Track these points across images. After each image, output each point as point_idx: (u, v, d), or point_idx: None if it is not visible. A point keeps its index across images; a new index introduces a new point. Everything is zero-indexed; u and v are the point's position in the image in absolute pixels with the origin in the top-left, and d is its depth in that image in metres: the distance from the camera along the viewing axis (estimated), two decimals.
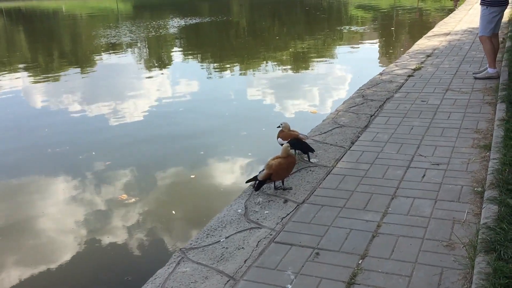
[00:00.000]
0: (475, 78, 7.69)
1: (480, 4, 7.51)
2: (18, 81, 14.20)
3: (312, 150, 4.81)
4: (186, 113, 9.71)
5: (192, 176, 6.65)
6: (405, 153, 4.92)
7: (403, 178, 4.37)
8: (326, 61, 14.52)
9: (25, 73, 15.46)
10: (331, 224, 3.67)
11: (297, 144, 4.80)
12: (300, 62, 14.82)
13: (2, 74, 15.36)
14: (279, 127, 5.04)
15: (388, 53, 15.15)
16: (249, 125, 8.50)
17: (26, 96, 12.50)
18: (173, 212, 5.69)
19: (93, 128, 9.18)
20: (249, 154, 7.31)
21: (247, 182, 4.36)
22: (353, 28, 22.70)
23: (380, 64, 11.65)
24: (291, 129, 5.04)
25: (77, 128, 9.26)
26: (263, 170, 4.25)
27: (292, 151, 4.95)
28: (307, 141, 5.14)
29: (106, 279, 4.51)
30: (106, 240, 5.13)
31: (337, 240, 3.44)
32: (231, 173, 6.64)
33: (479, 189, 3.98)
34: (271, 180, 4.23)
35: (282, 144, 4.86)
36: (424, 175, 4.38)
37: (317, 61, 14.53)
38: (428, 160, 4.71)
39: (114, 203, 5.96)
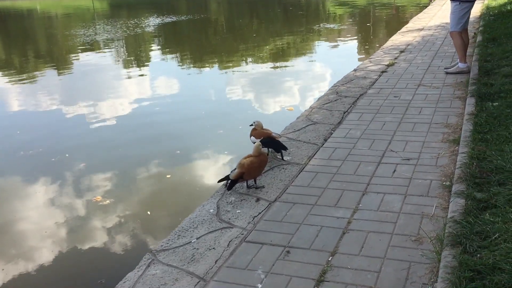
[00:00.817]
0: (447, 73, 7.80)
1: (451, 0, 7.61)
2: None
3: (285, 148, 4.83)
4: (162, 113, 9.65)
5: (168, 176, 6.62)
6: (376, 149, 4.96)
7: (374, 174, 4.41)
8: (304, 58, 14.58)
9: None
10: (302, 221, 3.69)
11: (270, 143, 4.81)
12: (278, 59, 14.82)
13: None
14: (252, 125, 5.04)
15: (365, 49, 15.27)
16: (226, 123, 8.48)
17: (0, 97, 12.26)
18: (148, 213, 5.66)
19: (67, 130, 9.06)
20: (225, 152, 7.31)
21: (219, 181, 4.35)
22: (331, 25, 22.82)
23: (359, 61, 11.67)
24: (264, 127, 5.04)
25: (51, 130, 9.14)
26: (235, 169, 4.24)
27: (266, 149, 4.97)
28: (280, 139, 5.15)
29: (80, 282, 4.47)
30: (79, 242, 5.08)
31: (308, 238, 3.46)
32: (207, 172, 6.63)
33: (448, 183, 4.04)
34: (243, 179, 4.23)
35: (254, 143, 4.87)
36: (394, 171, 4.43)
37: (295, 59, 14.58)
38: (399, 155, 4.76)
39: (88, 205, 5.90)
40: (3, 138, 8.81)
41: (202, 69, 14.41)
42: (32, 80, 14.10)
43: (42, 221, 5.63)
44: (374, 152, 4.90)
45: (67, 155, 7.57)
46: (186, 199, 5.86)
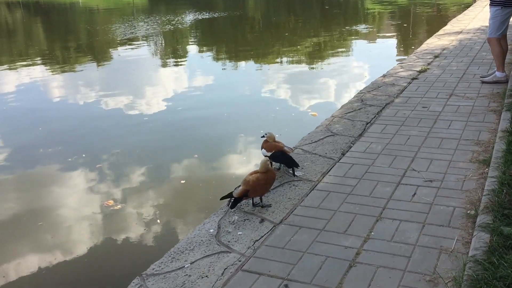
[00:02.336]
0: (482, 82, 7.29)
1: (491, 5, 7.09)
2: (35, 73, 14.23)
3: (297, 165, 4.50)
4: (189, 109, 9.52)
5: (182, 182, 6.39)
6: (397, 167, 4.58)
7: (392, 196, 4.03)
8: (337, 59, 14.10)
9: (42, 65, 15.52)
10: (306, 250, 3.37)
11: (281, 157, 4.50)
12: (311, 59, 14.50)
13: (20, 66, 15.45)
14: (263, 137, 4.73)
15: (400, 51, 14.67)
16: (249, 127, 8.18)
17: (41, 87, 12.45)
18: (158, 221, 5.45)
19: (91, 122, 9.17)
20: (244, 158, 7.04)
21: (221, 199, 4.06)
22: (369, 23, 22.31)
23: (395, 63, 11.17)
24: (276, 139, 4.72)
25: (73, 122, 9.21)
26: (239, 186, 3.95)
27: (277, 164, 4.66)
28: (293, 154, 4.82)
29: None
30: (76, 251, 4.89)
31: (310, 270, 3.14)
32: (223, 180, 6.34)
33: (472, 212, 3.64)
34: (247, 197, 3.93)
35: (266, 156, 4.58)
36: (414, 194, 4.05)
37: (328, 59, 14.19)
38: (421, 175, 4.37)
39: (99, 209, 5.73)
40: (39, 129, 8.93)
41: (235, 65, 14.32)
42: (71, 71, 14.47)
43: (41, 219, 5.52)
44: (394, 170, 4.51)
45: (83, 155, 7.43)
46: (193, 212, 5.61)
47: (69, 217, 5.62)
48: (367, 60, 13.44)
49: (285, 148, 4.54)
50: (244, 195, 3.89)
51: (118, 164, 7.09)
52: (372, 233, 3.52)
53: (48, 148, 7.91)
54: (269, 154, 4.54)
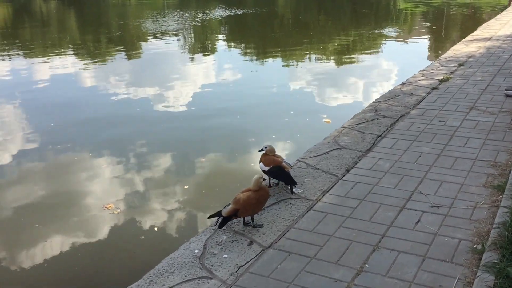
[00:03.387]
0: (507, 95, 6.87)
1: None
2: (67, 62, 14.64)
3: (295, 183, 4.23)
4: (208, 109, 9.51)
5: (185, 187, 6.20)
6: (403, 189, 4.27)
7: (393, 223, 3.74)
8: (363, 61, 13.78)
9: (74, 56, 15.95)
10: (292, 281, 3.11)
11: (278, 173, 4.24)
12: (337, 59, 14.27)
13: (53, 56, 15.86)
14: (261, 150, 4.47)
15: (429, 55, 14.22)
16: (260, 133, 7.96)
17: (72, 77, 12.80)
18: (155, 229, 5.26)
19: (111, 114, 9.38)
20: (252, 164, 6.80)
21: (209, 217, 3.83)
22: (399, 24, 21.84)
23: (422, 66, 10.75)
24: (276, 153, 4.46)
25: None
26: (229, 204, 3.72)
27: (275, 180, 4.41)
28: (295, 168, 4.56)
29: None
30: (63, 259, 4.75)
31: None
32: (225, 187, 6.12)
33: (479, 247, 3.32)
34: (237, 216, 3.70)
35: (263, 170, 4.34)
36: (418, 221, 3.74)
37: (354, 60, 13.90)
38: (428, 200, 4.05)
39: (98, 213, 5.60)
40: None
41: (259, 62, 14.25)
42: (102, 62, 14.90)
43: (38, 218, 5.44)
44: (400, 192, 4.21)
45: (90, 154, 7.32)
46: (189, 222, 5.41)
47: (65, 218, 5.49)
48: (392, 65, 13.06)
49: (283, 163, 4.28)
50: (234, 214, 3.66)
51: (129, 162, 7.00)
52: (367, 265, 3.24)
53: (70, 139, 8.01)
54: (266, 169, 4.29)
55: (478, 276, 2.94)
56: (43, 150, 7.56)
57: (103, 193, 6.12)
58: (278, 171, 4.23)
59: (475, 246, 3.35)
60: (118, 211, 5.65)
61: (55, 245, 4.97)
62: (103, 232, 5.18)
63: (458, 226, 3.63)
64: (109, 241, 5.04)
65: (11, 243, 5.09)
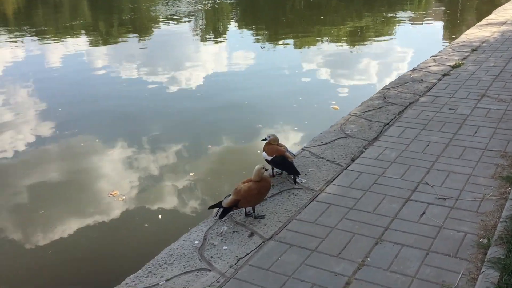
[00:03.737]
0: None
1: None
2: (80, 46, 14.74)
3: (298, 173, 4.15)
4: (208, 95, 9.42)
5: (191, 174, 6.16)
6: (409, 179, 4.18)
7: (398, 215, 3.66)
8: (377, 43, 13.60)
9: (86, 39, 16.09)
10: (292, 274, 3.06)
11: (282, 163, 4.16)
12: (348, 42, 14.10)
13: (66, 39, 16.00)
14: (264, 139, 4.39)
15: (444, 38, 13.93)
16: (269, 119, 7.87)
17: (84, 60, 12.96)
18: (159, 216, 5.25)
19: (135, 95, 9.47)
20: (258, 152, 6.73)
21: (210, 208, 3.78)
22: (415, 5, 21.50)
23: (435, 50, 10.51)
24: (279, 142, 4.37)
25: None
26: (230, 195, 3.66)
27: (278, 170, 4.34)
28: (299, 157, 4.49)
29: None
30: (67, 243, 4.76)
31: None
32: (231, 175, 6.06)
33: (485, 241, 3.23)
34: (237, 207, 3.64)
35: (266, 160, 4.27)
36: (423, 213, 3.66)
37: (367, 43, 13.72)
38: (434, 191, 3.96)
39: (103, 199, 5.59)
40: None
41: (271, 46, 14.19)
42: (114, 44, 15.14)
43: (44, 204, 5.45)
44: (405, 183, 4.11)
45: (97, 140, 7.31)
46: (192, 209, 5.37)
47: (70, 205, 5.49)
48: (404, 49, 12.83)
49: (286, 153, 4.20)
50: (234, 205, 3.60)
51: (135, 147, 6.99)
52: (368, 259, 3.17)
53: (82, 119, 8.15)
54: (269, 158, 4.22)
55: (482, 272, 2.86)
56: (49, 136, 7.57)
57: (109, 180, 6.11)
58: (281, 161, 4.15)
59: (480, 240, 3.27)
60: (123, 198, 5.63)
61: (58, 232, 4.98)
62: (106, 220, 5.18)
63: (464, 219, 3.54)
64: (112, 229, 5.03)
65: (16, 228, 5.10)
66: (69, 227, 5.08)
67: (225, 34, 16.97)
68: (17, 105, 9.16)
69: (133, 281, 3.14)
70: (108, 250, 4.71)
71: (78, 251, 4.66)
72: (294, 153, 4.41)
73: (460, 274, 2.96)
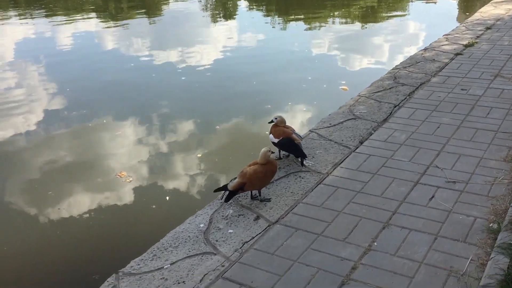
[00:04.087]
0: None
1: None
2: (90, 25, 14.83)
3: (304, 156, 4.09)
4: (215, 73, 9.39)
5: (199, 155, 6.13)
6: (419, 162, 4.10)
7: (406, 198, 3.60)
8: (391, 21, 13.36)
9: (96, 18, 16.11)
10: (298, 258, 3.03)
11: (288, 146, 4.10)
12: (361, 19, 13.92)
13: (75, 18, 16.06)
14: (271, 122, 4.33)
15: (464, 14, 13.64)
16: (277, 99, 7.80)
17: (93, 40, 12.97)
18: (167, 198, 5.23)
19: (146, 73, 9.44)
20: (266, 133, 6.68)
21: (215, 191, 3.75)
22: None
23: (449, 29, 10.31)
24: (286, 124, 4.31)
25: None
26: (235, 178, 3.62)
27: (285, 152, 4.29)
28: (306, 139, 4.42)
29: (68, 277, 4.13)
30: (79, 224, 4.77)
31: (296, 285, 2.81)
32: (240, 156, 6.02)
33: (495, 226, 3.16)
34: (243, 190, 3.60)
35: (273, 142, 4.21)
36: (432, 197, 3.59)
37: (382, 21, 13.51)
38: (444, 174, 3.88)
39: (110, 180, 5.58)
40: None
41: (282, 24, 14.14)
42: (125, 24, 14.97)
43: (52, 185, 5.46)
44: (415, 166, 4.04)
45: (104, 121, 7.29)
46: (199, 192, 5.34)
47: (78, 185, 5.50)
48: (417, 28, 12.59)
49: (293, 135, 4.13)
50: (240, 188, 3.56)
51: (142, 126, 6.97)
52: (375, 243, 3.13)
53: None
54: (276, 140, 4.16)
55: (492, 258, 2.81)
56: (56, 116, 7.57)
57: (116, 161, 6.10)
58: (288, 143, 4.09)
59: (490, 225, 3.20)
60: (131, 179, 5.62)
61: (66, 213, 4.99)
62: (113, 201, 5.17)
63: (474, 203, 3.47)
64: (119, 210, 5.03)
65: (24, 209, 5.12)
66: (76, 208, 5.09)
67: (235, 13, 16.81)
68: (25, 85, 9.15)
69: (138, 264, 3.13)
70: (115, 231, 4.71)
71: (85, 232, 4.67)
72: (301, 135, 4.34)
73: (469, 260, 2.90)
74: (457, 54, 7.13)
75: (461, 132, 4.62)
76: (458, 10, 14.72)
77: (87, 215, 4.97)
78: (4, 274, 4.12)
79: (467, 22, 9.38)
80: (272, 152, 3.69)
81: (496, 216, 3.29)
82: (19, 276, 4.09)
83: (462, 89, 5.71)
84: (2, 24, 15.72)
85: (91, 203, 5.19)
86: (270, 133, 4.28)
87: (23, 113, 7.69)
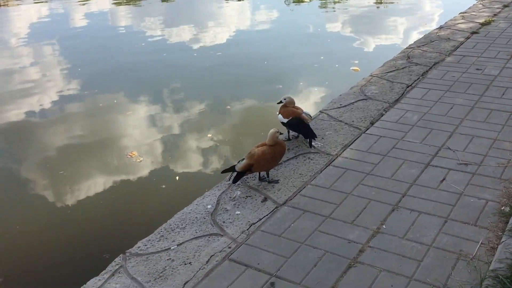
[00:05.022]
0: None
1: None
2: (103, 5, 14.77)
3: (314, 136, 4.04)
4: (228, 51, 9.35)
5: (209, 135, 6.11)
6: (430, 144, 4.03)
7: (416, 180, 3.54)
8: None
9: None
10: (305, 241, 3.00)
11: (298, 126, 4.05)
12: None
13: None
14: (280, 102, 4.27)
15: None
16: (289, 79, 7.72)
17: (107, 19, 13.02)
18: (177, 178, 5.22)
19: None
20: (277, 113, 6.62)
21: (223, 172, 3.72)
22: None
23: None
24: (295, 105, 4.25)
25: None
26: (243, 159, 3.59)
27: (295, 133, 4.24)
28: (316, 120, 4.36)
29: (78, 255, 4.16)
30: (83, 205, 4.80)
31: (303, 267, 2.79)
32: (250, 136, 5.98)
33: (507, 209, 3.10)
34: (251, 171, 3.57)
35: (282, 122, 4.17)
36: (444, 179, 3.53)
37: None
38: (456, 156, 3.81)
39: (120, 160, 5.60)
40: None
41: (296, 2, 13.97)
42: (135, 4, 15.00)
43: (63, 165, 5.50)
44: (426, 148, 3.97)
45: (115, 101, 7.28)
46: (217, 167, 5.33)
47: (89, 165, 5.52)
48: (434, 4, 12.35)
49: (303, 115, 4.08)
50: (248, 169, 3.53)
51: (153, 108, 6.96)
52: (384, 226, 3.09)
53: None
54: (285, 120, 4.11)
55: (503, 242, 2.76)
56: (68, 96, 7.58)
57: (127, 141, 6.11)
58: (297, 123, 4.04)
59: (502, 208, 3.14)
60: (141, 159, 5.62)
61: (76, 193, 5.02)
62: (124, 181, 5.19)
63: (486, 186, 3.41)
64: (129, 190, 5.05)
65: (35, 188, 5.16)
66: (87, 188, 5.12)
67: None
68: (38, 65, 9.17)
69: (145, 245, 3.13)
70: (125, 211, 4.73)
71: (95, 211, 4.70)
72: (311, 115, 4.28)
73: (479, 243, 2.85)
74: (473, 33, 6.96)
75: (475, 113, 4.53)
76: None
77: (98, 194, 5.00)
78: (15, 251, 4.17)
79: (484, 0, 9.13)
80: (281, 133, 3.64)
81: (509, 199, 3.23)
82: (30, 253, 4.14)
83: (477, 69, 5.58)
84: (17, 5, 15.75)
85: (101, 183, 5.21)
86: (279, 114, 4.23)
87: (35, 93, 7.72)
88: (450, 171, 3.62)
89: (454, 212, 3.16)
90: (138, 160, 5.65)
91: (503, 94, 4.87)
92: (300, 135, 4.24)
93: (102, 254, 3.91)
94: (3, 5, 15.58)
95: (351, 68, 7.85)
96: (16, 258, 4.09)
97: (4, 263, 4.02)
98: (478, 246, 2.84)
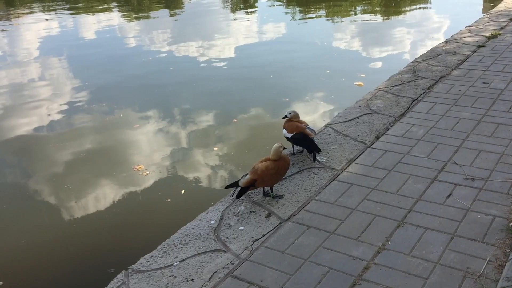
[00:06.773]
0: None
1: None
2: (112, 19, 15.02)
3: (319, 151, 4.02)
4: (233, 65, 9.34)
5: (215, 148, 6.10)
6: (436, 159, 3.99)
7: (422, 196, 3.50)
8: (414, 12, 13.12)
9: (118, 12, 16.40)
10: (309, 257, 2.96)
11: (302, 140, 4.03)
12: (385, 13, 13.70)
13: (97, 11, 16.32)
14: (285, 117, 4.26)
15: (490, 3, 13.33)
16: (295, 93, 7.71)
17: (116, 33, 13.15)
18: (182, 192, 5.20)
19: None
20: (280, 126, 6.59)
21: (226, 187, 3.70)
22: None
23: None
24: (300, 119, 4.24)
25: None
26: (247, 174, 3.56)
27: (299, 147, 4.22)
28: (321, 134, 4.34)
29: (81, 270, 4.14)
30: (91, 219, 4.79)
31: (307, 285, 2.75)
32: (255, 151, 5.96)
33: None
34: (255, 187, 3.55)
35: (286, 137, 4.15)
36: (450, 195, 3.49)
37: (405, 12, 13.29)
38: (462, 171, 3.77)
39: (127, 173, 5.58)
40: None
41: (302, 16, 14.06)
42: (146, 18, 15.23)
43: (69, 179, 5.49)
44: (432, 162, 3.93)
45: (121, 116, 7.31)
46: (222, 181, 5.30)
47: (95, 178, 5.52)
48: (441, 18, 12.34)
49: (307, 130, 4.06)
50: (251, 185, 3.51)
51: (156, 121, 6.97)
52: (389, 243, 3.04)
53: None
54: (289, 135, 4.09)
55: (510, 259, 2.70)
56: (75, 109, 7.61)
57: (134, 154, 6.10)
58: (301, 138, 4.02)
59: (510, 225, 3.09)
60: (148, 172, 5.61)
61: (82, 206, 5.01)
62: (129, 195, 5.17)
63: (493, 202, 3.36)
64: (135, 204, 5.03)
65: (41, 201, 5.16)
66: (93, 201, 5.11)
67: (255, 5, 16.80)
68: (46, 78, 9.25)
69: (148, 261, 3.10)
70: (131, 224, 4.71)
71: (100, 226, 4.68)
72: (315, 130, 4.26)
73: (487, 261, 2.80)
74: (479, 46, 6.94)
75: (482, 127, 4.48)
76: (483, 1, 14.36)
77: (104, 208, 4.99)
78: (20, 264, 4.16)
79: (490, 13, 9.12)
80: (285, 148, 3.62)
81: None
82: (34, 266, 4.13)
83: (483, 83, 5.55)
84: (27, 18, 15.98)
85: (107, 196, 5.21)
86: (283, 128, 4.21)
87: (42, 106, 7.76)
88: (457, 187, 3.58)
89: (461, 229, 3.11)
90: (145, 173, 5.64)
91: (510, 108, 4.83)
92: (305, 150, 4.21)
93: (105, 269, 3.89)
94: (15, 23, 15.74)
95: (354, 83, 7.81)
96: (20, 271, 4.08)
97: (9, 276, 4.01)
98: (486, 263, 2.79)
